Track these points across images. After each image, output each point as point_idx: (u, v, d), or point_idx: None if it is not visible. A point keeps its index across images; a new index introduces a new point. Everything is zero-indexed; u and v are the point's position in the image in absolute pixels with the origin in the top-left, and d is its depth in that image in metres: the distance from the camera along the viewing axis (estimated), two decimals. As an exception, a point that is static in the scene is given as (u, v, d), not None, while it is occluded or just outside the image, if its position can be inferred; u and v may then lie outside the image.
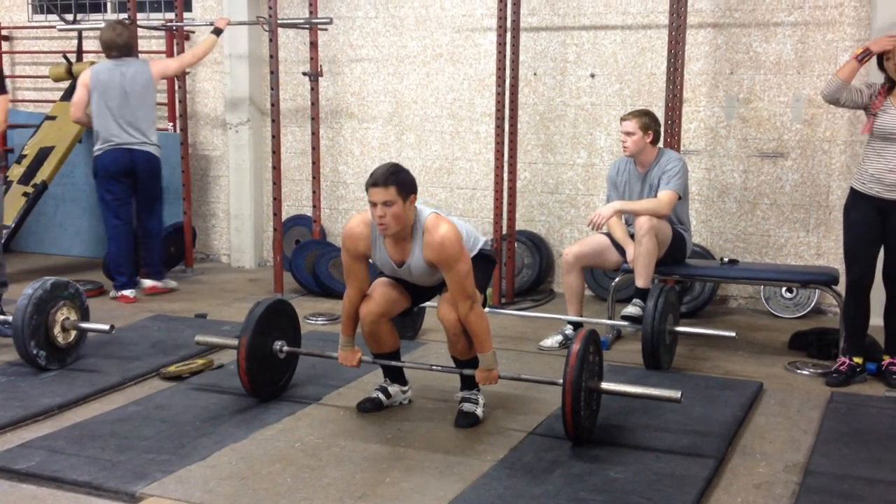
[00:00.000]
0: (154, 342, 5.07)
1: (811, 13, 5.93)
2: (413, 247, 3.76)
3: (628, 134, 5.07)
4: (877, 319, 4.67)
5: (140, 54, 6.75)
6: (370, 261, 3.95)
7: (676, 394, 3.63)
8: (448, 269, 3.68)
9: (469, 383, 3.98)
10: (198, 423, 3.89)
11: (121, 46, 6.16)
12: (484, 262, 3.99)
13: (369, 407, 4.05)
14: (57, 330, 4.53)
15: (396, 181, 3.60)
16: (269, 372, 4.16)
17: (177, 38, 7.16)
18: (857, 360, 4.57)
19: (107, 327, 4.65)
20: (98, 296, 6.29)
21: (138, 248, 6.45)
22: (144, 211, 6.39)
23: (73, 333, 4.62)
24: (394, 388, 4.13)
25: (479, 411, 3.95)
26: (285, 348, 4.18)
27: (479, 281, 3.86)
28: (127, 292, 6.22)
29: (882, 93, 4.45)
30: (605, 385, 3.74)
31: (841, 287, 4.84)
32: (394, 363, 4.10)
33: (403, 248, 3.79)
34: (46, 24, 8.12)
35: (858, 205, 4.53)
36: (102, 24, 6.50)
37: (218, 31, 6.48)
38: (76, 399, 4.15)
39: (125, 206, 6.27)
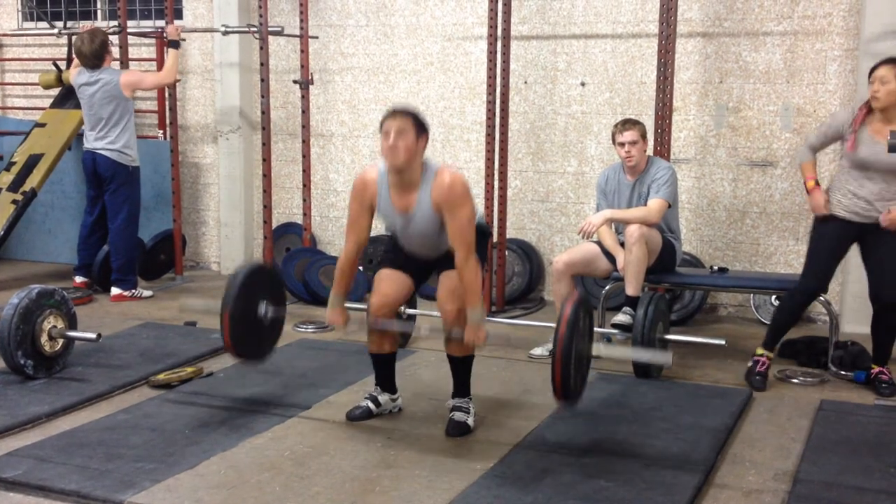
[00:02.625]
0: (142, 350, 5.05)
1: (800, 23, 5.96)
2: (420, 194, 3.76)
3: (633, 143, 5.04)
4: (864, 328, 4.69)
5: (130, 62, 6.74)
6: (373, 226, 3.96)
7: (667, 357, 3.60)
8: (453, 212, 3.69)
9: (461, 391, 3.99)
10: (186, 431, 3.87)
11: (85, 56, 6.26)
12: (479, 236, 3.98)
13: (359, 415, 4.04)
14: (44, 339, 4.50)
15: (413, 115, 3.72)
16: (255, 336, 4.09)
17: (167, 45, 7.15)
18: (770, 354, 4.68)
19: (93, 336, 4.62)
20: (87, 303, 6.27)
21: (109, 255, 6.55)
22: (109, 217, 6.45)
23: (61, 342, 4.59)
24: (384, 397, 4.12)
25: (471, 420, 3.94)
26: (270, 313, 4.12)
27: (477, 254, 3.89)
28: (77, 279, 6.66)
29: (863, 112, 4.41)
30: (596, 349, 3.72)
31: (829, 296, 4.86)
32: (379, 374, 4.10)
33: (409, 197, 3.79)
34: (36, 31, 8.11)
35: (833, 220, 4.54)
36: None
37: (174, 44, 6.46)
38: (64, 408, 4.12)
39: (91, 209, 6.60)
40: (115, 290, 6.46)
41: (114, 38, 6.87)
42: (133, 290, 6.51)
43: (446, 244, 3.81)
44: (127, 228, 6.45)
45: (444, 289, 3.84)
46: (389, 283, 3.96)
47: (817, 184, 4.61)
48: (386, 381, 4.14)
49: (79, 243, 6.68)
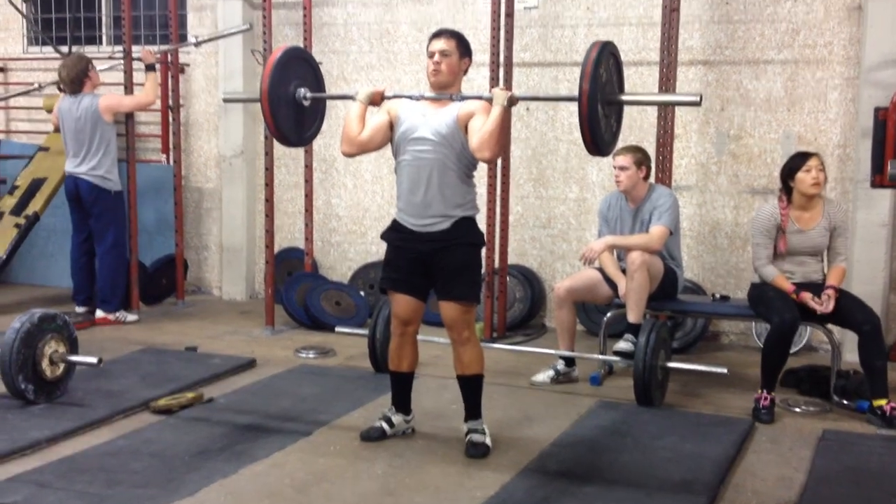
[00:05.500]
0: (143, 375, 5.04)
1: (801, 51, 5.99)
2: (450, 108, 3.90)
3: (622, 169, 5.09)
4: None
5: (134, 87, 6.77)
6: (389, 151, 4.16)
7: (696, 97, 3.75)
8: (476, 117, 3.81)
9: (473, 413, 4.03)
10: (187, 457, 3.86)
11: (67, 82, 6.33)
12: (478, 253, 4.06)
13: (373, 436, 4.09)
14: (45, 363, 4.49)
15: (458, 37, 3.96)
16: (294, 119, 4.18)
17: (171, 70, 7.19)
18: (773, 394, 4.66)
19: (94, 360, 4.62)
20: (89, 327, 6.26)
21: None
22: (95, 241, 6.47)
23: (62, 366, 4.58)
24: (397, 418, 4.17)
25: (489, 441, 3.98)
26: (308, 95, 4.17)
27: (475, 276, 3.99)
28: (78, 310, 6.54)
29: (784, 204, 4.85)
30: (624, 97, 3.81)
31: (831, 325, 4.85)
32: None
33: (441, 108, 3.94)
34: (41, 55, 8.15)
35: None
36: (98, 56, 6.61)
37: (150, 67, 6.50)
38: (64, 433, 4.11)
39: (78, 232, 6.56)
40: (98, 313, 6.47)
41: (119, 63, 6.92)
42: (116, 314, 6.50)
43: (452, 178, 3.87)
44: (112, 252, 6.45)
45: (448, 319, 3.94)
46: (406, 305, 4.01)
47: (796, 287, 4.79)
48: (401, 400, 4.18)
49: (71, 265, 6.64)
